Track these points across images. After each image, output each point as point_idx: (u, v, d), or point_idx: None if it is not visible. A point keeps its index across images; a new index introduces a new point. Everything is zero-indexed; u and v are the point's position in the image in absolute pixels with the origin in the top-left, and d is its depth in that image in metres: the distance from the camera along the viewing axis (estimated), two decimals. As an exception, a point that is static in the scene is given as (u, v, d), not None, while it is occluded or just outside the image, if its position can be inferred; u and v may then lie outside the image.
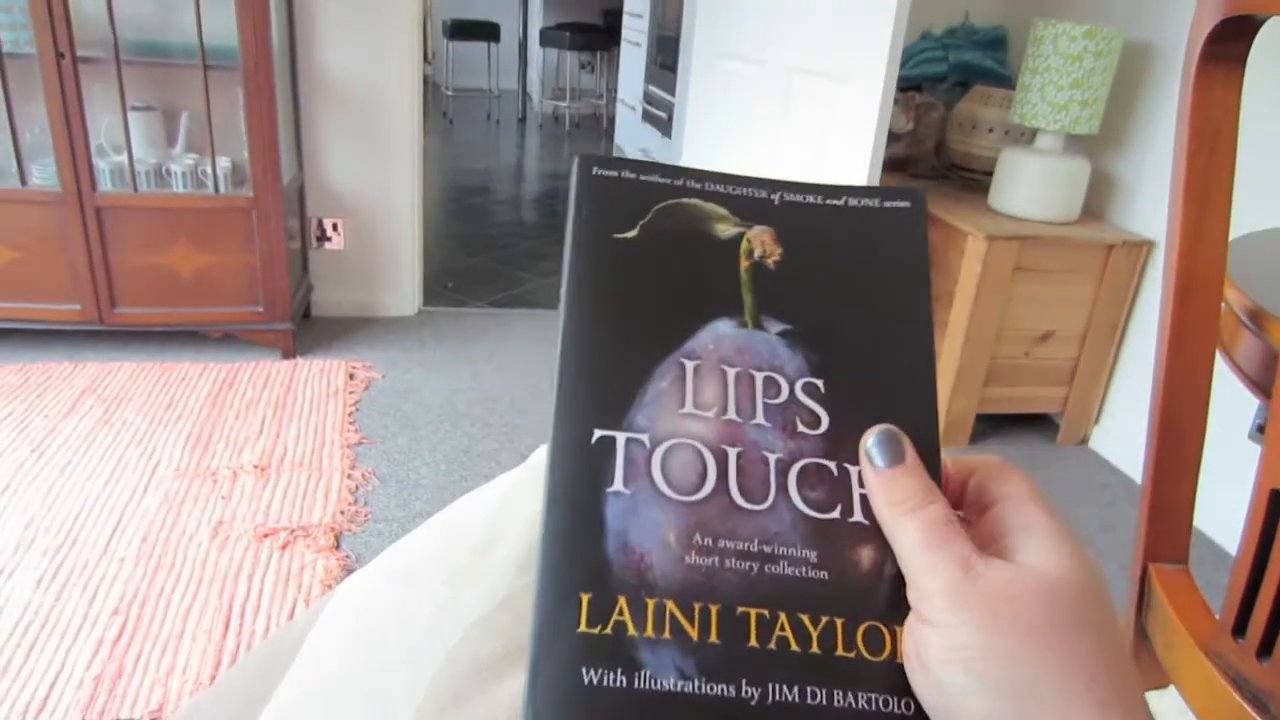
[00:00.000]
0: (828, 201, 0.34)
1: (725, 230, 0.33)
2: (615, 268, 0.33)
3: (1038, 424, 2.52)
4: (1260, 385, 0.71)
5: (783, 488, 0.30)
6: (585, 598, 0.28)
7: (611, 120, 5.98)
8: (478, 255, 3.59)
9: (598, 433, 0.30)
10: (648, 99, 4.79)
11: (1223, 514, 1.87)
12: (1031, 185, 2.28)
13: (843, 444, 0.30)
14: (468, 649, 0.37)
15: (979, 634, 0.25)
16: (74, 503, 1.77)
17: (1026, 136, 2.51)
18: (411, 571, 0.42)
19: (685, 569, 0.28)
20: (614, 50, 6.14)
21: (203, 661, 1.41)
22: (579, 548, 0.28)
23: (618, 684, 0.26)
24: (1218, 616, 0.70)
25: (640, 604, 0.27)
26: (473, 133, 6.35)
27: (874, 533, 0.29)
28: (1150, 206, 2.32)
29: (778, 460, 0.30)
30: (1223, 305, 0.69)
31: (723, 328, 0.32)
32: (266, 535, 1.72)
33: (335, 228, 2.73)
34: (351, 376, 2.42)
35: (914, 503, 0.28)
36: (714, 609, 0.28)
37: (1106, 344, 2.38)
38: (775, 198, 0.34)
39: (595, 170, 0.34)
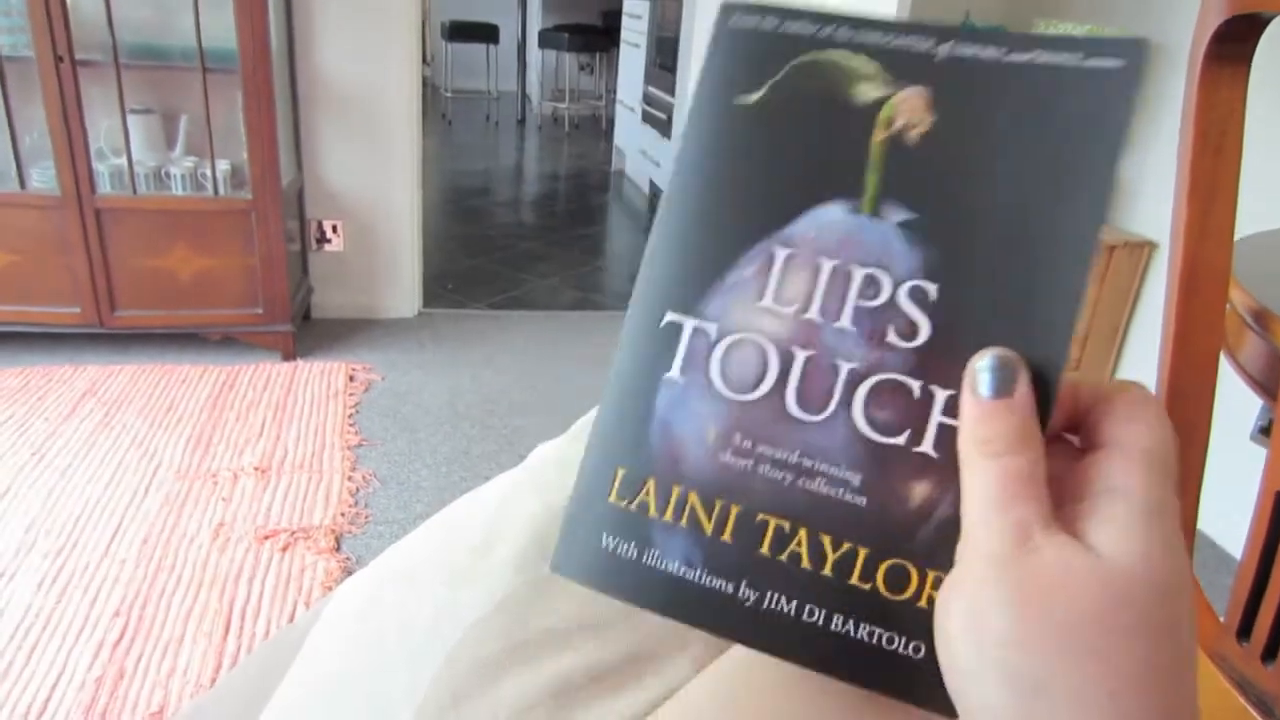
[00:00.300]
0: (1010, 56, 0.28)
1: (868, 93, 0.29)
2: (728, 138, 0.30)
3: (1039, 425, 2.52)
4: (1264, 386, 0.70)
5: (846, 402, 0.27)
6: (620, 472, 0.29)
7: (611, 121, 5.98)
8: (477, 257, 3.59)
9: (668, 316, 0.29)
10: (647, 100, 4.78)
11: (1224, 517, 1.87)
12: (1032, 186, 2.28)
13: (938, 362, 0.26)
14: (467, 649, 0.37)
15: (1006, 614, 0.23)
16: (75, 505, 1.76)
17: (1027, 138, 2.51)
18: (411, 573, 0.42)
19: (718, 466, 0.28)
20: (613, 51, 6.14)
21: (204, 663, 1.41)
22: (626, 426, 0.29)
23: (630, 555, 0.28)
24: (1222, 620, 0.70)
25: (667, 490, 0.28)
26: (472, 134, 6.35)
27: (939, 468, 0.26)
28: (1152, 207, 2.31)
29: (851, 371, 0.27)
30: (1227, 306, 0.69)
31: (832, 213, 0.28)
32: (267, 537, 1.72)
33: (335, 229, 2.73)
34: (351, 378, 2.42)
35: (1001, 446, 0.24)
36: (734, 509, 0.28)
37: (1107, 346, 2.38)
38: (942, 50, 0.28)
39: (733, 20, 0.30)
